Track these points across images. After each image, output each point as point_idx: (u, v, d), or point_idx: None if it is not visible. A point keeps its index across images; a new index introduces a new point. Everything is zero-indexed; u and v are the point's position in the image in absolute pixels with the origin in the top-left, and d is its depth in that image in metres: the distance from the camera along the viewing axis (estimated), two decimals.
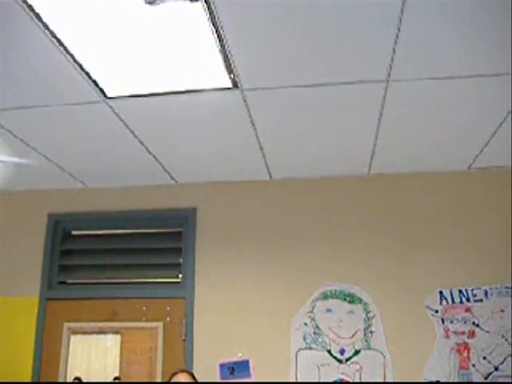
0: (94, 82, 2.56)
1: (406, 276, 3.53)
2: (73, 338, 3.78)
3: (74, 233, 4.06)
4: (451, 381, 3.32)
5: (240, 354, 3.52)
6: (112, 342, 3.77)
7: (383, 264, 3.57)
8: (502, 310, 3.39)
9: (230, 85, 2.59)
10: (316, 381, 3.42)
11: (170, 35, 2.21)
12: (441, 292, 3.47)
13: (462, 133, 3.15)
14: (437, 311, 3.44)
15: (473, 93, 2.69)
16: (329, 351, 3.47)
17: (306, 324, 3.53)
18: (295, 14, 2.09)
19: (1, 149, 3.28)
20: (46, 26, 2.13)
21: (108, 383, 3.68)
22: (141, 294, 3.77)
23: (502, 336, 3.35)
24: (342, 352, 3.47)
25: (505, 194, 3.60)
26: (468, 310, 3.43)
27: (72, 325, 3.78)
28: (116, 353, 3.74)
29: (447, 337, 3.40)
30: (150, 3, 1.94)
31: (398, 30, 2.18)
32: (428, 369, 3.36)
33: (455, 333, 3.40)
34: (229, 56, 2.36)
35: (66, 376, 3.70)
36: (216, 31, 2.18)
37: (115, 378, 3.69)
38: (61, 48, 2.27)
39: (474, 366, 3.33)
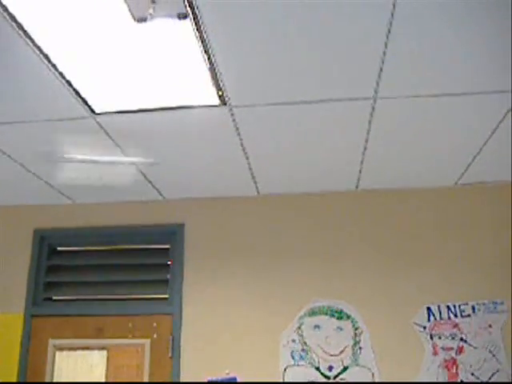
0: (82, 98, 2.56)
1: (394, 292, 3.53)
2: (58, 354, 3.73)
3: (60, 249, 4.02)
4: None
5: (227, 371, 3.49)
6: (98, 359, 3.72)
7: (371, 280, 3.57)
8: (490, 326, 3.40)
9: (217, 102, 2.60)
10: None
11: (159, 52, 2.21)
12: (429, 308, 3.48)
13: (449, 149, 3.18)
14: (425, 327, 3.44)
15: (459, 110, 2.72)
16: (317, 368, 3.45)
17: (294, 340, 3.51)
18: (283, 32, 2.11)
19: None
20: (33, 43, 2.13)
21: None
22: (128, 310, 3.74)
23: (490, 352, 3.36)
24: (331, 369, 3.45)
25: (491, 210, 3.63)
26: (456, 325, 3.43)
27: (57, 341, 3.73)
28: (102, 370, 3.69)
29: (435, 353, 3.40)
30: (139, 21, 1.95)
31: (385, 47, 2.20)
32: None
33: (443, 349, 3.40)
34: (217, 73, 2.36)
35: None
36: (204, 48, 2.19)
37: None
38: (45, 61, 2.27)
39: (462, 382, 3.33)
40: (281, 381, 3.43)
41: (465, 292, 3.48)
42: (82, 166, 3.35)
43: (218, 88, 2.48)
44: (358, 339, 3.47)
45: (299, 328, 3.53)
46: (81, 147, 3.11)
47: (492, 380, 3.30)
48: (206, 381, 3.46)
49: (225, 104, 2.63)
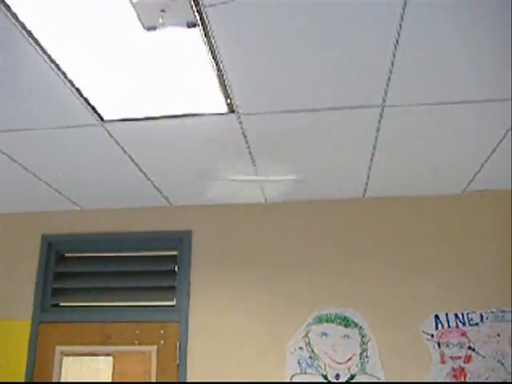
0: (91, 105, 2.57)
1: (402, 300, 3.52)
2: (65, 360, 3.73)
3: (68, 255, 4.04)
4: None
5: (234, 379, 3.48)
6: (104, 365, 3.73)
7: (379, 288, 3.56)
8: (498, 335, 3.38)
9: (226, 109, 2.61)
10: None
11: (168, 60, 2.23)
12: (436, 316, 3.46)
13: (457, 157, 3.17)
14: (432, 335, 3.43)
15: (467, 118, 2.72)
16: (324, 376, 3.44)
17: (301, 348, 3.50)
18: (292, 40, 2.12)
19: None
20: (43, 50, 2.14)
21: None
22: (134, 317, 3.74)
23: (498, 361, 3.33)
24: (338, 376, 3.44)
25: (499, 218, 3.61)
26: (464, 334, 3.42)
27: (64, 348, 3.74)
28: (108, 376, 3.69)
29: (443, 361, 3.38)
30: (149, 29, 1.96)
31: (394, 55, 2.20)
32: None
33: (451, 357, 3.38)
34: (225, 81, 2.37)
35: None
36: (213, 56, 2.20)
37: None
38: (55, 68, 2.28)
39: (463, 382, 3.31)
40: None
41: (473, 300, 3.46)
42: (89, 172, 3.37)
43: (227, 96, 2.49)
44: (365, 347, 3.46)
45: (306, 336, 3.52)
46: (89, 155, 3.13)
47: None
48: None
49: (233, 112, 2.64)
